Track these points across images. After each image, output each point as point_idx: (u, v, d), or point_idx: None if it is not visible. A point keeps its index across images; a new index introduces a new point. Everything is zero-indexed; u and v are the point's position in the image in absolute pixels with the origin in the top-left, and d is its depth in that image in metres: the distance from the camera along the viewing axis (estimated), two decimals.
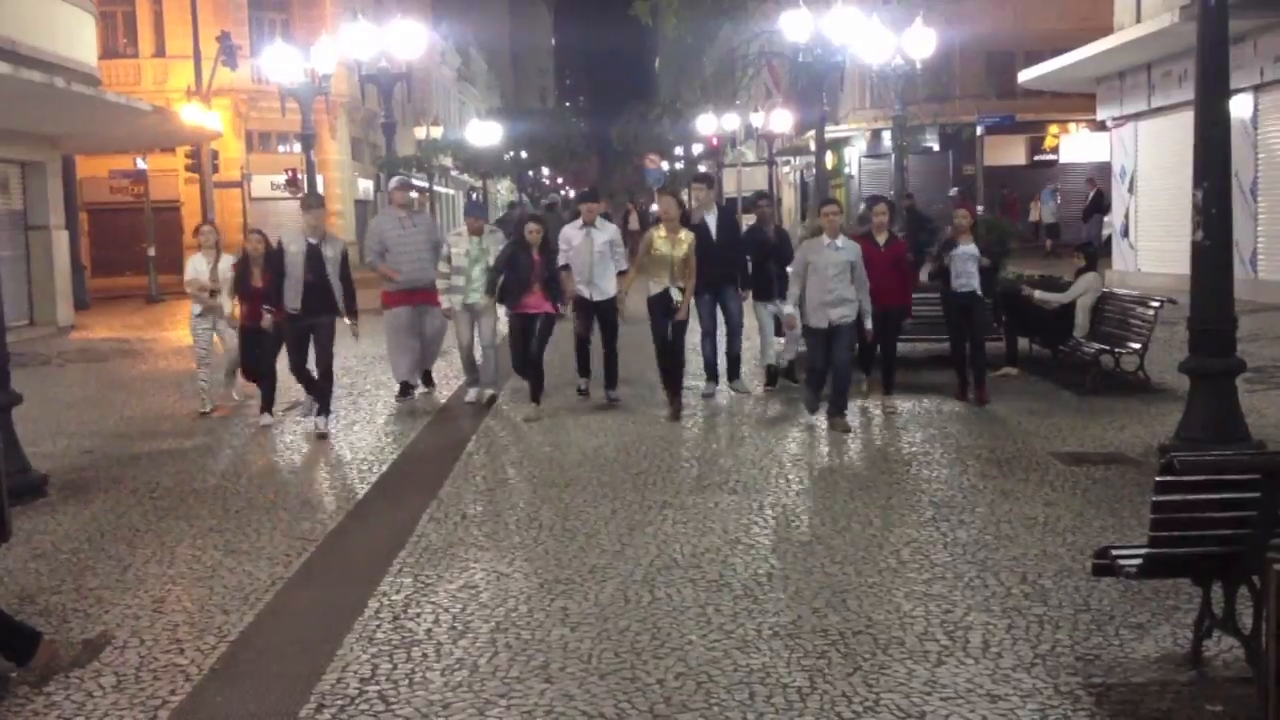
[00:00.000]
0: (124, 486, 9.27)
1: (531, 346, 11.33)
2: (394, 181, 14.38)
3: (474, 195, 15.84)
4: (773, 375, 12.83)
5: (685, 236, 11.35)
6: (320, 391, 11.09)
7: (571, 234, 12.32)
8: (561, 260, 11.91)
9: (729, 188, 42.07)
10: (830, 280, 10.28)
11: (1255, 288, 18.95)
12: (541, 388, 11.64)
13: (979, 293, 11.51)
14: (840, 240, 10.40)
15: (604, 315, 12.19)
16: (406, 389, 12.80)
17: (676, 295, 11.28)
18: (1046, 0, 38.35)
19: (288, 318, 10.91)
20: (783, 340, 12.81)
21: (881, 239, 11.25)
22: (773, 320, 12.83)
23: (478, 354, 12.38)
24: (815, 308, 10.37)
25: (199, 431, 11.27)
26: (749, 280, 12.49)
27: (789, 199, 50.17)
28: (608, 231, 12.45)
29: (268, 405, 11.62)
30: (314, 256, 10.87)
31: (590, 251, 12.07)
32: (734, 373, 12.44)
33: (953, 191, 31.59)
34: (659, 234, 11.38)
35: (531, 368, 11.45)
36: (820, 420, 10.61)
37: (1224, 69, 8.68)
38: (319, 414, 11.07)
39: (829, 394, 10.54)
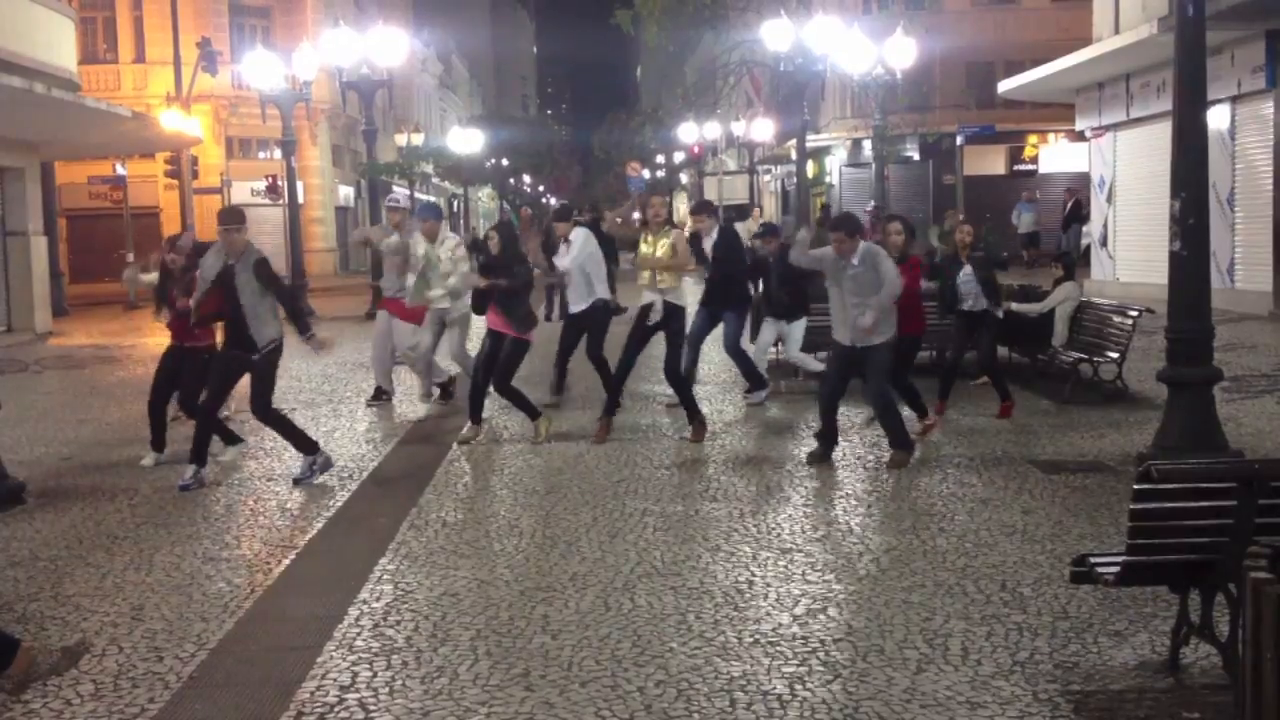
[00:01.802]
0: (102, 493, 9.23)
1: (494, 376, 10.58)
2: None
3: (398, 199, 15.61)
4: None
5: (666, 238, 10.79)
6: (289, 434, 9.46)
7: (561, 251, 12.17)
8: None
9: (710, 196, 42.09)
10: (848, 297, 9.34)
11: (1232, 297, 19.08)
12: (529, 407, 10.83)
13: (989, 309, 11.32)
14: (856, 258, 9.29)
15: (586, 324, 12.06)
16: (380, 393, 12.97)
17: (655, 301, 10.66)
18: (1026, 11, 38.61)
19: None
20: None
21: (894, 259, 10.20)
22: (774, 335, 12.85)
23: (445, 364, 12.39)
24: (837, 323, 9.52)
25: (178, 438, 11.19)
26: (744, 307, 12.53)
27: (769, 207, 50.27)
28: (576, 245, 11.85)
29: (225, 438, 10.32)
30: (225, 278, 9.18)
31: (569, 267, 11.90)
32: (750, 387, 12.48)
33: (869, 205, 31.07)
34: (643, 239, 11.03)
35: (508, 398, 10.72)
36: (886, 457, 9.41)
37: (1202, 80, 8.75)
38: (306, 465, 9.42)
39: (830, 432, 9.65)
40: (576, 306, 12.04)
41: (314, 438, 9.69)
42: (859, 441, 10.19)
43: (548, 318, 19.89)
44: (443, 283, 11.87)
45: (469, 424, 10.80)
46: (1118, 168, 24.51)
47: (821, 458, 9.48)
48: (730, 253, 12.05)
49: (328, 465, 9.54)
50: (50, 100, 19.55)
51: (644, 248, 10.97)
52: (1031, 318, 13.13)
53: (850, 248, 9.32)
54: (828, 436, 9.57)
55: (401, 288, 12.29)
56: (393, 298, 12.50)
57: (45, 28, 24.10)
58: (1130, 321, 11.96)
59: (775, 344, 13.74)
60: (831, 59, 22.57)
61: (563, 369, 12.58)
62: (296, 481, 9.33)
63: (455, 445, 10.58)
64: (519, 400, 10.73)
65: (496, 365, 10.55)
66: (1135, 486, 4.88)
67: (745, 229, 28.03)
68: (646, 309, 10.82)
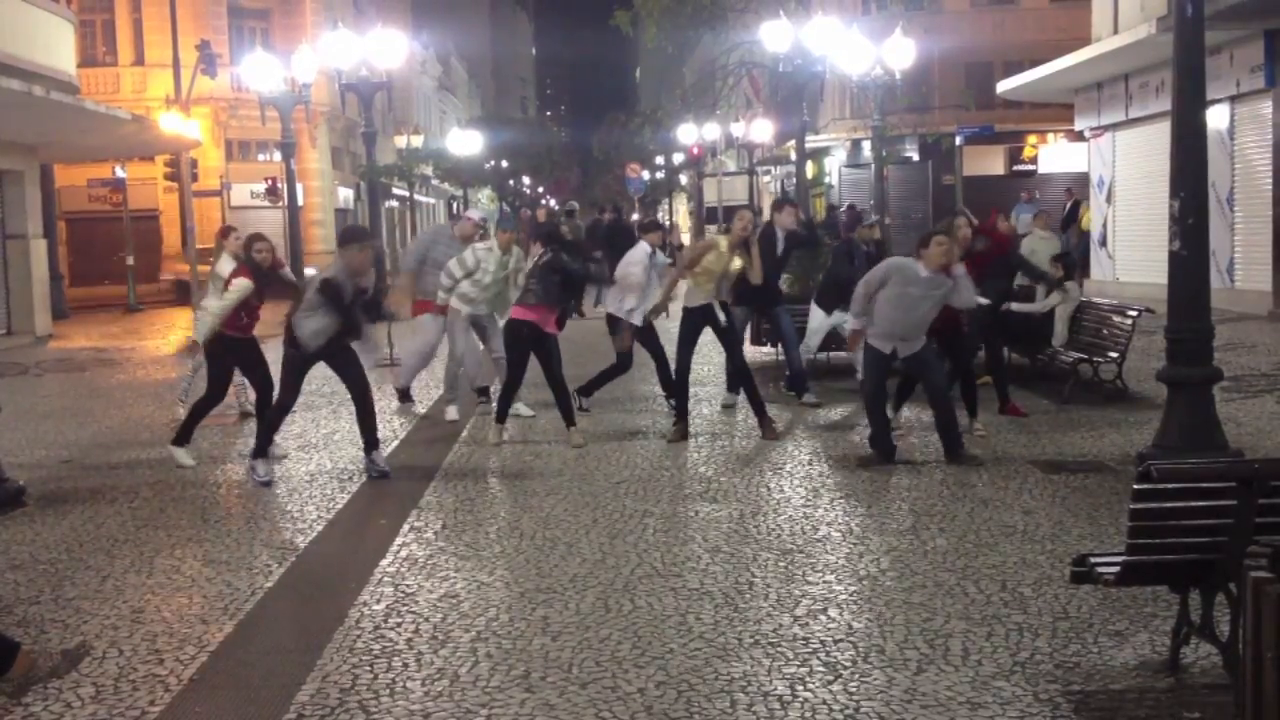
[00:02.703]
0: (103, 496, 9.23)
1: (554, 376, 10.64)
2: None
3: (504, 207, 15.15)
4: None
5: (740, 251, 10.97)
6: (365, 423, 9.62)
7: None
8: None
9: (709, 197, 42.13)
10: (913, 311, 9.40)
11: (1232, 297, 19.09)
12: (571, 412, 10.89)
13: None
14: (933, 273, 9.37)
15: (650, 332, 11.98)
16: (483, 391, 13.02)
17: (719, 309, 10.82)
18: (1025, 11, 38.63)
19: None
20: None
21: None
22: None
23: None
24: (885, 331, 9.50)
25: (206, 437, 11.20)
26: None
27: (767, 209, 50.34)
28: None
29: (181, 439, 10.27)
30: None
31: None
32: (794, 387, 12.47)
33: (845, 206, 30.99)
34: (719, 249, 10.94)
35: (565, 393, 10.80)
36: (825, 461, 9.82)
37: (1200, 80, 8.74)
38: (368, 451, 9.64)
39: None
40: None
41: (313, 441, 9.70)
42: (859, 442, 10.19)
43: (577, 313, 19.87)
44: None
45: (497, 426, 10.82)
46: (1117, 168, 24.53)
47: (889, 444, 9.55)
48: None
49: (268, 479, 9.45)
50: (49, 103, 19.55)
51: (714, 257, 10.85)
52: (1031, 318, 13.13)
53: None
54: (886, 436, 9.60)
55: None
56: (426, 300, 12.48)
57: (44, 30, 24.11)
58: (1130, 321, 11.96)
59: (775, 344, 13.72)
60: (830, 60, 22.52)
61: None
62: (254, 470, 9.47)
63: (474, 445, 10.65)
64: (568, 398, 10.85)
65: (554, 366, 10.56)
66: (1135, 486, 4.88)
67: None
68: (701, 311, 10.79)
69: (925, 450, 9.88)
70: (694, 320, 10.83)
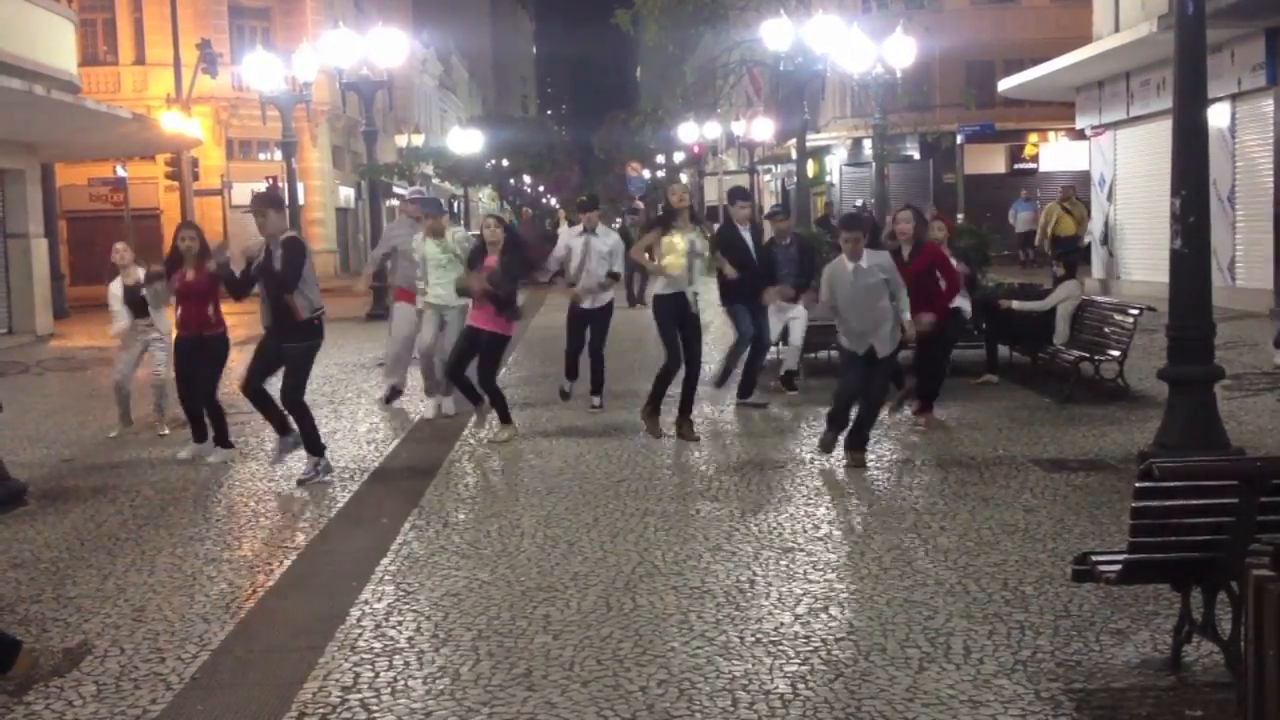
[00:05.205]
0: (104, 495, 9.23)
1: (480, 373, 10.55)
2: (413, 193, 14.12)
3: (423, 190, 14.67)
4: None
5: (691, 231, 10.58)
6: (306, 429, 9.51)
7: (572, 241, 12.02)
8: (556, 264, 12.02)
9: (710, 196, 42.10)
10: (861, 307, 9.33)
11: (1233, 295, 19.06)
12: (505, 409, 10.82)
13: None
14: (865, 261, 9.33)
15: (599, 321, 12.02)
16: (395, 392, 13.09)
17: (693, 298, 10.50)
18: (1025, 9, 38.61)
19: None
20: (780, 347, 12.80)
21: (905, 251, 10.46)
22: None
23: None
24: (852, 333, 9.43)
25: (179, 440, 11.21)
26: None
27: (767, 207, 50.31)
28: (609, 239, 12.08)
29: (221, 437, 10.38)
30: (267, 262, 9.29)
31: (592, 259, 11.77)
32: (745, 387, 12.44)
33: (858, 202, 31.07)
34: (674, 231, 10.52)
35: (491, 395, 10.68)
36: (832, 458, 9.46)
37: (1202, 78, 8.75)
38: (311, 465, 9.49)
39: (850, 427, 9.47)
40: (596, 302, 11.98)
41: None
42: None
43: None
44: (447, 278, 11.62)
45: (503, 424, 10.71)
46: (1118, 166, 24.51)
47: (833, 444, 9.43)
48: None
49: (329, 470, 9.52)
50: (50, 102, 19.55)
51: (678, 239, 10.46)
52: (1032, 316, 13.14)
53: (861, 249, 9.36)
54: (835, 433, 9.48)
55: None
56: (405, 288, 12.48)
57: (45, 29, 24.10)
58: (1131, 320, 11.95)
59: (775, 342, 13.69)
60: (831, 58, 22.56)
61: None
62: (300, 482, 9.32)
63: (475, 445, 10.60)
64: (500, 400, 10.74)
65: (481, 361, 10.49)
66: (1137, 484, 4.88)
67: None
68: (672, 300, 10.53)
69: (924, 450, 9.88)
70: (666, 308, 10.55)
